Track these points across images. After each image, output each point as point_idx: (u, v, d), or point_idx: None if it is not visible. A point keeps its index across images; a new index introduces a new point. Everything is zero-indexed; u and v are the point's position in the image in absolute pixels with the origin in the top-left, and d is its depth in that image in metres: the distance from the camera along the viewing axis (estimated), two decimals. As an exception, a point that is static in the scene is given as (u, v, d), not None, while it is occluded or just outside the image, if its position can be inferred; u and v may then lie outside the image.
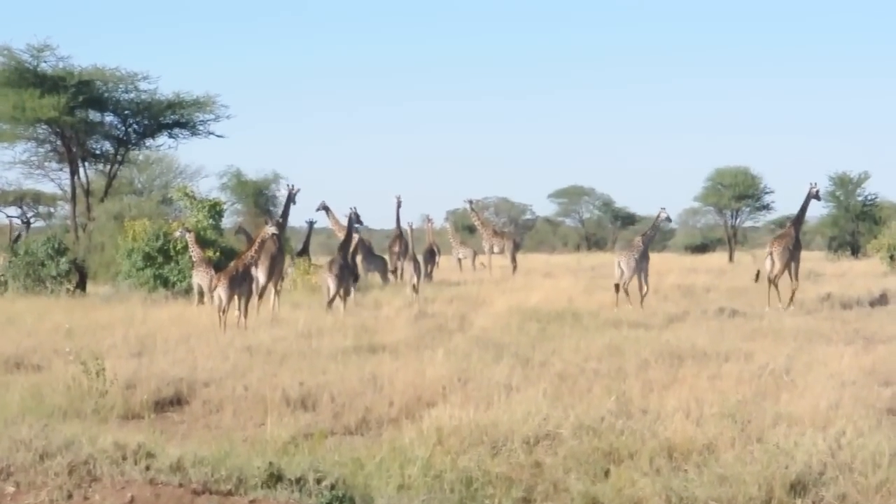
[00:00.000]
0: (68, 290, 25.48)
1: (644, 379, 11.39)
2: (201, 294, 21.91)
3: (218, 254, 24.69)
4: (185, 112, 31.26)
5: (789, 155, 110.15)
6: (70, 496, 7.35)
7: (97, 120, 30.65)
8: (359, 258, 25.08)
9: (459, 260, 35.30)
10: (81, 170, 30.43)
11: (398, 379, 11.43)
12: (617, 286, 21.10)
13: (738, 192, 50.63)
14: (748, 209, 52.01)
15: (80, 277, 27.27)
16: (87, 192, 30.58)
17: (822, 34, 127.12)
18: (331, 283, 19.98)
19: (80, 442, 7.97)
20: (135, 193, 37.83)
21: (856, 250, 46.92)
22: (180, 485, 7.44)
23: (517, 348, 13.94)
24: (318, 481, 7.49)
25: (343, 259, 20.59)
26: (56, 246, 26.54)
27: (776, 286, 21.40)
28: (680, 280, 26.67)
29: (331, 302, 19.81)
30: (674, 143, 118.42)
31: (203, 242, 23.66)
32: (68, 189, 31.01)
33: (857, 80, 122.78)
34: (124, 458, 7.74)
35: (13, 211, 51.06)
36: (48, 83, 28.39)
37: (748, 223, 55.89)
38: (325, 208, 31.14)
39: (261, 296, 20.26)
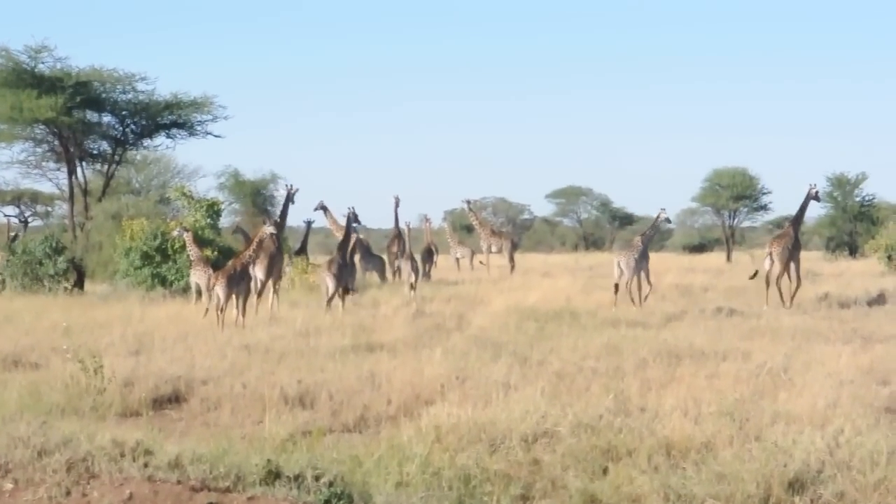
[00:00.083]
0: (66, 288, 25.49)
1: (642, 377, 11.39)
2: (199, 293, 21.91)
3: (216, 253, 24.70)
4: (183, 112, 31.28)
5: (787, 156, 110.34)
6: (68, 493, 7.35)
7: (95, 120, 30.67)
8: (357, 257, 25.08)
9: (457, 259, 35.30)
10: (79, 169, 30.45)
11: (396, 377, 11.43)
12: (616, 286, 21.10)
13: (735, 192, 50.62)
14: (746, 209, 52.01)
15: (78, 276, 27.27)
16: (85, 192, 30.59)
17: (819, 35, 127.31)
18: (329, 282, 19.99)
19: (78, 439, 7.97)
20: (132, 193, 37.83)
21: (853, 250, 46.95)
22: (178, 482, 7.44)
23: (515, 347, 13.93)
24: (317, 478, 7.49)
25: (342, 258, 20.60)
26: (54, 245, 26.54)
27: (778, 287, 21.40)
28: (678, 280, 26.66)
29: (330, 301, 19.82)
30: (671, 143, 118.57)
31: (201, 242, 23.65)
32: (66, 189, 30.99)
33: (854, 81, 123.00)
34: (122, 456, 7.74)
35: (11, 210, 51.14)
36: (46, 84, 28.40)
37: (746, 223, 55.94)
38: (324, 208, 31.14)
39: (260, 294, 20.29)
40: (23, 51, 28.56)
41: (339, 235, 25.78)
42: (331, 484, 7.44)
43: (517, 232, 60.66)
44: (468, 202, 36.38)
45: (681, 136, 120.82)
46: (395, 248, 30.38)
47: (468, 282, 27.58)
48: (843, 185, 49.15)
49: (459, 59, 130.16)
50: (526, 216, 69.38)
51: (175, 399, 11.39)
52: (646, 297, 21.07)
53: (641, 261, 21.44)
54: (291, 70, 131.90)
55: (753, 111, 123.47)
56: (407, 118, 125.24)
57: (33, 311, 19.48)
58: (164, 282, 24.60)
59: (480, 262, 34.46)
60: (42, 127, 29.63)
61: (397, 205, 31.55)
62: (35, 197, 50.03)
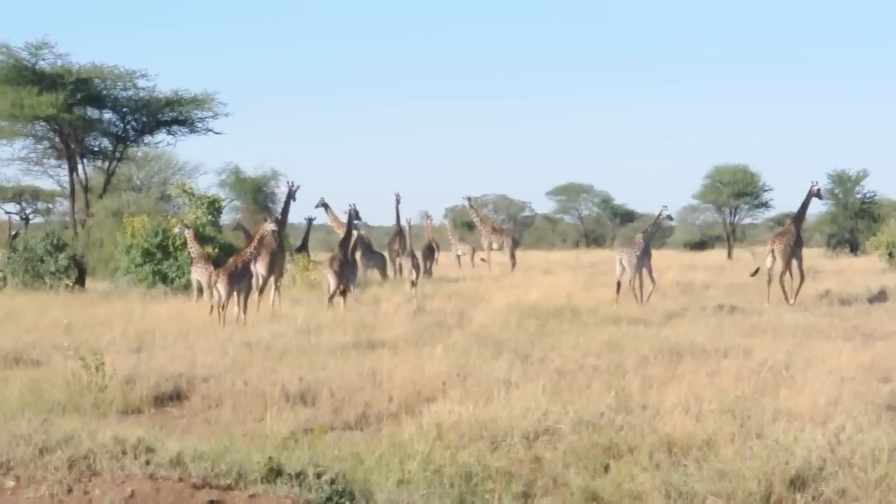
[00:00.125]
0: (67, 285, 25.49)
1: (643, 375, 11.39)
2: (200, 290, 21.93)
3: (216, 250, 24.71)
4: (184, 109, 31.29)
5: (788, 153, 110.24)
6: (70, 491, 7.34)
7: (96, 117, 30.68)
8: (358, 254, 25.09)
9: (458, 257, 35.30)
10: (80, 166, 30.45)
11: (397, 374, 11.43)
12: (619, 284, 21.10)
13: (736, 189, 50.62)
14: (747, 206, 52.00)
15: (79, 273, 27.28)
16: (86, 189, 30.60)
17: (820, 33, 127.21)
18: (331, 279, 19.99)
19: (79, 437, 7.96)
20: (133, 190, 37.87)
21: (854, 247, 46.94)
22: (180, 479, 7.44)
23: (516, 344, 13.92)
24: (318, 476, 7.49)
25: (343, 255, 20.61)
26: (55, 242, 26.55)
27: (781, 284, 21.39)
28: (679, 277, 26.63)
29: (331, 298, 19.82)
30: (672, 140, 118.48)
31: (202, 239, 23.67)
32: (67, 186, 31.03)
33: (855, 79, 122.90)
34: (124, 453, 7.73)
35: (12, 207, 51.15)
36: (47, 81, 28.41)
37: (747, 220, 55.88)
38: (325, 205, 31.13)
39: (261, 291, 20.29)
40: (24, 47, 28.61)
41: (341, 232, 25.79)
42: (332, 481, 7.44)
43: (518, 229, 60.62)
44: (469, 199, 36.36)
45: (682, 134, 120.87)
46: (396, 246, 30.38)
47: (469, 279, 27.57)
48: (844, 182, 49.13)
49: (460, 58, 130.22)
50: (527, 213, 69.35)
51: (176, 396, 11.40)
52: (649, 294, 21.08)
53: (643, 258, 21.46)
54: (292, 67, 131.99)
55: (754, 108, 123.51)
56: (408, 116, 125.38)
57: (34, 308, 19.48)
58: (165, 279, 24.61)
59: (482, 260, 34.47)
60: (43, 124, 29.63)
61: (398, 202, 31.58)
62: (36, 194, 50.05)
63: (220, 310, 17.50)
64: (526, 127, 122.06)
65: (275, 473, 7.53)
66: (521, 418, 8.80)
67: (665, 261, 34.32)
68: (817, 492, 7.48)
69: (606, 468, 8.05)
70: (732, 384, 10.58)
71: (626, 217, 69.11)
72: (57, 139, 30.27)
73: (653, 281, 21.49)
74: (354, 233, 22.69)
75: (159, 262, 24.90)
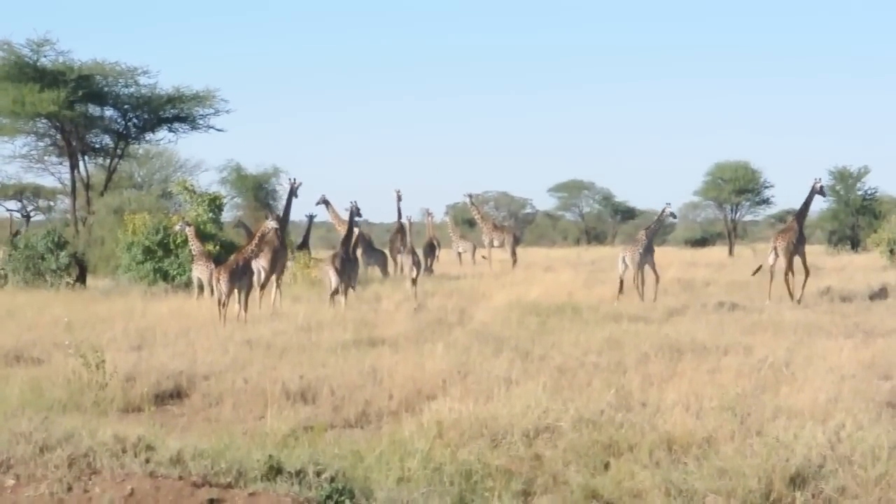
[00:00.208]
0: (68, 283, 25.52)
1: (644, 372, 11.39)
2: (201, 288, 21.93)
3: (218, 247, 24.72)
4: (185, 106, 31.30)
5: (789, 149, 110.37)
6: (70, 489, 7.35)
7: (97, 114, 30.70)
8: (359, 252, 25.08)
9: (459, 254, 35.31)
10: (81, 164, 30.47)
11: (398, 372, 11.42)
12: (621, 281, 21.11)
13: (737, 186, 50.58)
14: (748, 203, 51.96)
15: (80, 271, 27.30)
16: (87, 186, 30.61)
17: (822, 29, 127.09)
18: (332, 276, 19.99)
19: (79, 435, 7.96)
20: (135, 187, 37.87)
21: (856, 244, 46.90)
22: (180, 477, 7.44)
23: (517, 342, 13.93)
24: (318, 474, 7.49)
25: (345, 253, 20.61)
26: (56, 240, 26.56)
27: (786, 282, 21.36)
28: (680, 274, 26.64)
29: (333, 295, 19.83)
30: (674, 137, 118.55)
31: (203, 236, 23.67)
32: (68, 183, 31.04)
33: (856, 75, 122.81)
34: (124, 451, 7.74)
35: (13, 205, 51.21)
36: (48, 77, 28.42)
37: (748, 217, 55.86)
38: (326, 202, 31.12)
39: (263, 287, 20.28)
40: (25, 44, 28.63)
41: (341, 230, 25.78)
42: (332, 479, 7.44)
43: (519, 226, 60.61)
44: (470, 196, 36.35)
45: (683, 130, 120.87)
46: (398, 243, 30.39)
47: (470, 276, 27.58)
48: (845, 179, 49.07)
49: (462, 54, 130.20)
50: (528, 210, 69.37)
51: (177, 394, 11.40)
52: (656, 288, 21.16)
53: (646, 255, 21.50)
54: (293, 64, 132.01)
55: (755, 105, 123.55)
56: (409, 112, 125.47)
57: (35, 306, 19.50)
58: (166, 276, 24.62)
59: (483, 257, 34.47)
60: (44, 121, 29.65)
61: (399, 199, 31.55)
62: (37, 191, 50.08)
63: (221, 307, 17.50)
64: (527, 124, 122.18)
65: (275, 471, 7.53)
66: (522, 416, 8.80)
67: (666, 258, 34.28)
68: (817, 489, 7.48)
69: (606, 466, 8.04)
70: (733, 381, 10.58)
71: (627, 214, 69.09)
72: (58, 136, 30.28)
73: (657, 275, 21.55)
74: (356, 230, 22.69)
75: (160, 260, 24.90)
